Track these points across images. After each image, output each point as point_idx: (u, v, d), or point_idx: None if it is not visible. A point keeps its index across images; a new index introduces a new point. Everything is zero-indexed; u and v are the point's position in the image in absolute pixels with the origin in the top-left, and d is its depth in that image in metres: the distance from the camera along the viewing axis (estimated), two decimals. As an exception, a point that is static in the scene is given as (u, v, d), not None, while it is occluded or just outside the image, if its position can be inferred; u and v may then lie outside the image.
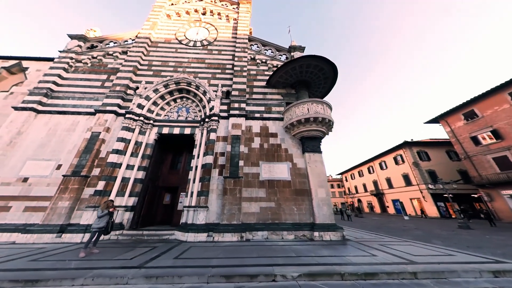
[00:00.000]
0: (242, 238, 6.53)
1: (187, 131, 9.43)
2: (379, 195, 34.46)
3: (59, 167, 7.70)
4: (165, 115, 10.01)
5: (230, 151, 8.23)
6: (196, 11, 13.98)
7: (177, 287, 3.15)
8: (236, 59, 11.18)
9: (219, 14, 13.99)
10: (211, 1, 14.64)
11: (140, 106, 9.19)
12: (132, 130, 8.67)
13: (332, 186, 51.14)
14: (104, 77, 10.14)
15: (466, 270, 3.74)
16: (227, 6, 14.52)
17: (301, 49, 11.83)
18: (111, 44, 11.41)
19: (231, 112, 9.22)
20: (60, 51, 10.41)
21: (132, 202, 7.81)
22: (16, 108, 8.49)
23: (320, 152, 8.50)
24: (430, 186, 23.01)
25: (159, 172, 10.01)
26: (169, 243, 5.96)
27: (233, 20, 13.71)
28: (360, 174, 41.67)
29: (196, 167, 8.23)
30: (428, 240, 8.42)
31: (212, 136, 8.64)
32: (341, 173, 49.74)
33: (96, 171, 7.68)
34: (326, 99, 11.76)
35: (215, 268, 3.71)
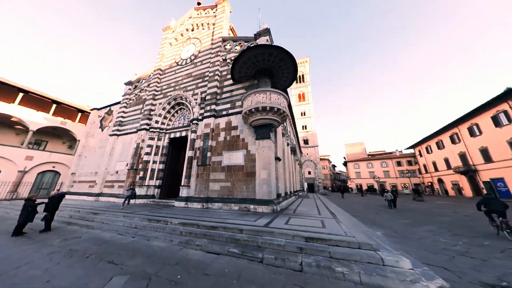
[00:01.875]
0: (203, 206, 9.42)
1: (183, 134, 13.12)
2: (469, 172, 24.49)
3: (127, 164, 13.98)
4: (172, 124, 14.26)
5: (202, 145, 10.98)
6: (187, 30, 16.81)
7: (132, 218, 6.62)
8: (210, 65, 13.16)
9: (202, 24, 16.01)
10: (198, 14, 16.79)
11: (156, 121, 13.87)
12: (153, 139, 13.55)
13: (398, 164, 40.82)
14: (141, 106, 15.80)
15: (285, 233, 4.46)
16: (208, 12, 16.14)
17: (266, 32, 11.65)
18: (143, 81, 16.98)
19: (204, 114, 11.74)
20: (122, 96, 17.20)
21: (158, 183, 12.82)
22: (110, 135, 15.81)
23: (268, 138, 9.26)
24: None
25: (177, 164, 14.71)
26: (166, 207, 9.98)
27: (213, 25, 15.26)
28: (440, 146, 30.75)
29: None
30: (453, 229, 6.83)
31: (193, 135, 11.72)
32: (413, 146, 38.31)
33: (140, 166, 13.22)
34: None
35: (152, 216, 6.90)
